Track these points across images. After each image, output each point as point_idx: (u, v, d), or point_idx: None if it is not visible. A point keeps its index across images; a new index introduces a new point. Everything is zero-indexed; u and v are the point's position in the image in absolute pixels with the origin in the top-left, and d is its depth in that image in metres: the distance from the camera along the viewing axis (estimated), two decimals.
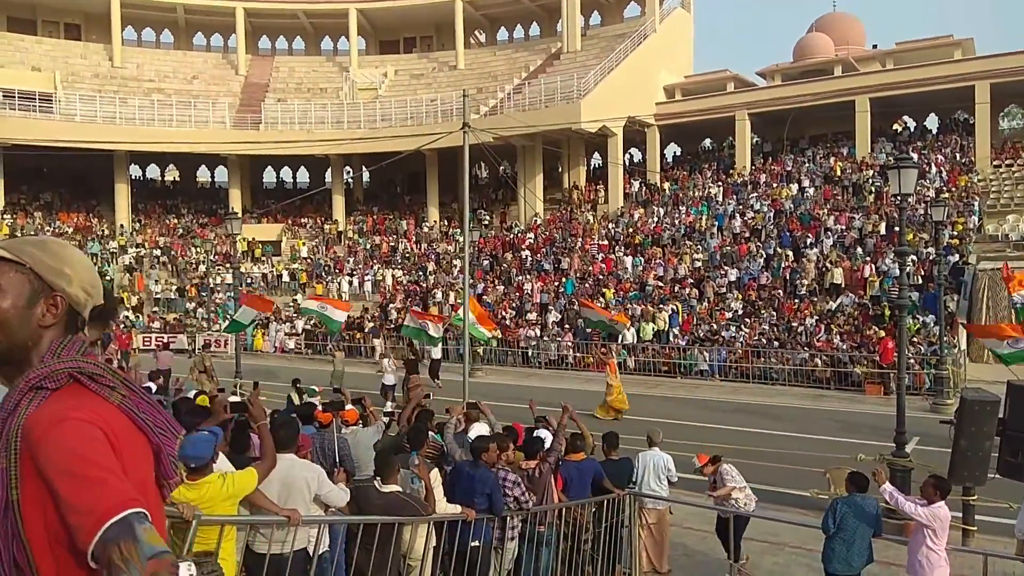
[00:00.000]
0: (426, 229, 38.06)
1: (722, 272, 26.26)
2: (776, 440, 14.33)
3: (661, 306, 24.60)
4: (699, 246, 28.55)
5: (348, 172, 41.95)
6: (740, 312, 23.99)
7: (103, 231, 37.91)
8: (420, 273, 33.26)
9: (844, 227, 26.68)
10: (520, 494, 6.08)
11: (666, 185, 35.11)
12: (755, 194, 31.53)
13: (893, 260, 22.17)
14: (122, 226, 38.00)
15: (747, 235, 28.35)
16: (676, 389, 21.06)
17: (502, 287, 30.28)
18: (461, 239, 35.35)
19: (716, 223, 29.93)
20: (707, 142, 40.85)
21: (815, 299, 23.86)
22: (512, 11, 43.14)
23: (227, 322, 28.81)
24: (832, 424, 16.03)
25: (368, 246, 37.22)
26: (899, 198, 11.37)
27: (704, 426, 15.57)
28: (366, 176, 42.90)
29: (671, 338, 23.81)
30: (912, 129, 34.30)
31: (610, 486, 7.41)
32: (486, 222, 37.26)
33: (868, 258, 24.26)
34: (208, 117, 38.10)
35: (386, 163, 26.38)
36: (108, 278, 33.82)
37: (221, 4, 42.16)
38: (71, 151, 34.31)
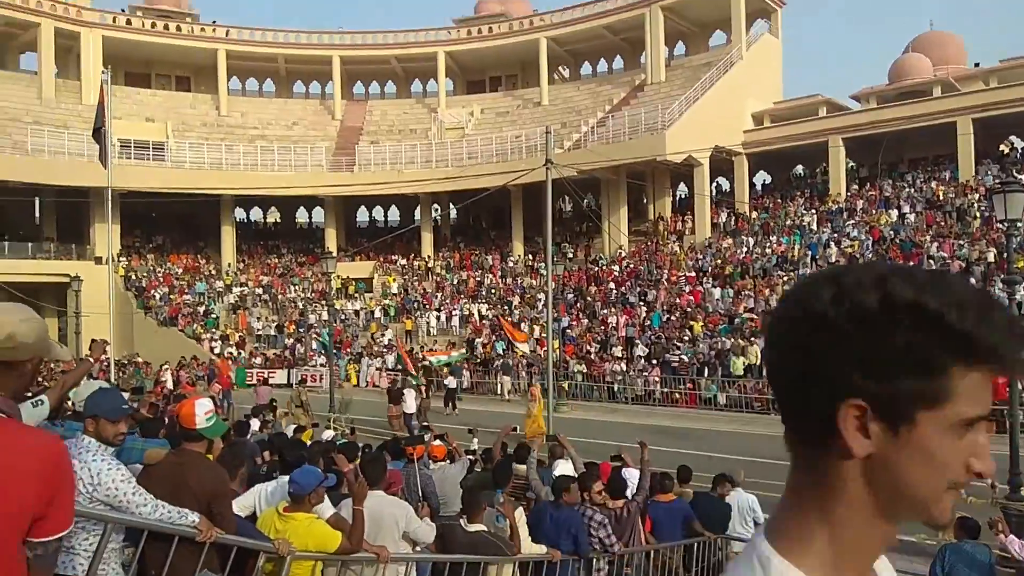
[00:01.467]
0: (511, 263, 38.47)
1: None
2: None
3: (752, 339, 23.91)
4: (792, 276, 27.66)
5: (436, 209, 43.05)
6: None
7: (210, 271, 40.19)
8: (505, 307, 33.56)
9: (948, 255, 25.31)
10: (606, 535, 6.02)
11: (755, 214, 34.30)
12: (851, 221, 30.37)
13: (1002, 289, 20.83)
14: (228, 266, 40.18)
15: (843, 264, 27.24)
16: (770, 426, 20.33)
17: (587, 320, 30.17)
18: (545, 273, 35.63)
19: (810, 252, 28.97)
20: (799, 169, 39.76)
21: None
22: (595, 46, 43.59)
23: (322, 356, 29.88)
24: None
25: (455, 281, 37.91)
26: (1007, 223, 10.79)
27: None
28: (453, 213, 43.90)
29: (762, 373, 23.05)
30: (1020, 150, 32.36)
31: (701, 529, 7.23)
32: (570, 255, 37.33)
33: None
34: (307, 161, 40.04)
35: (472, 200, 26.90)
36: (214, 316, 35.76)
37: (319, 53, 44.47)
38: (182, 197, 36.74)
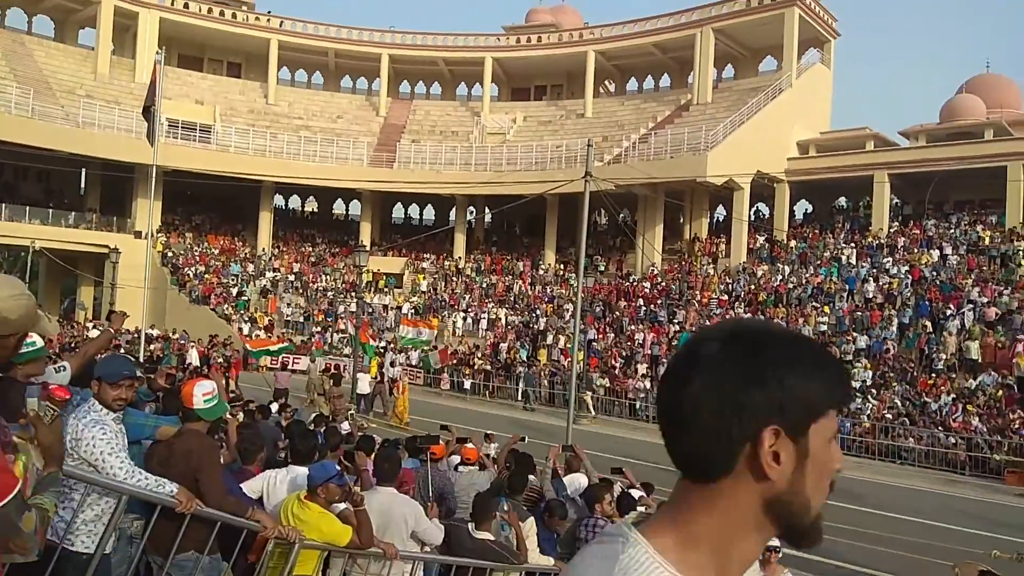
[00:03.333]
0: (541, 271, 38.42)
1: (850, 338, 24.85)
2: (900, 525, 13.27)
3: None
4: (827, 308, 27.22)
5: (471, 212, 43.23)
6: (868, 383, 22.55)
7: (245, 254, 40.74)
8: (533, 314, 33.50)
9: (988, 300, 24.68)
10: None
11: (793, 243, 33.82)
12: (891, 258, 29.79)
13: None
14: (263, 250, 40.70)
15: (880, 300, 26.76)
16: None
17: (613, 335, 29.98)
18: (575, 284, 35.53)
19: (847, 286, 28.46)
20: (841, 201, 39.16)
21: (953, 375, 22.10)
22: (644, 62, 43.45)
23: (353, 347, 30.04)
24: (965, 513, 14.67)
25: (484, 284, 37.95)
26: None
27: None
28: (488, 216, 44.00)
29: None
30: None
31: None
32: (601, 268, 37.17)
33: (1018, 335, 22.26)
34: (348, 154, 40.47)
35: (509, 206, 26.91)
36: (245, 297, 36.21)
37: (368, 50, 44.94)
38: (224, 179, 37.34)
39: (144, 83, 36.50)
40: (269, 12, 45.04)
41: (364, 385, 21.70)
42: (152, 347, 25.32)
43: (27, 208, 35.30)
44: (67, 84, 38.01)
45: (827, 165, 34.71)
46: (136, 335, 19.01)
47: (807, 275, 30.47)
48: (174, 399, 6.69)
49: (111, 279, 26.80)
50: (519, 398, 27.01)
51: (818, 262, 31.29)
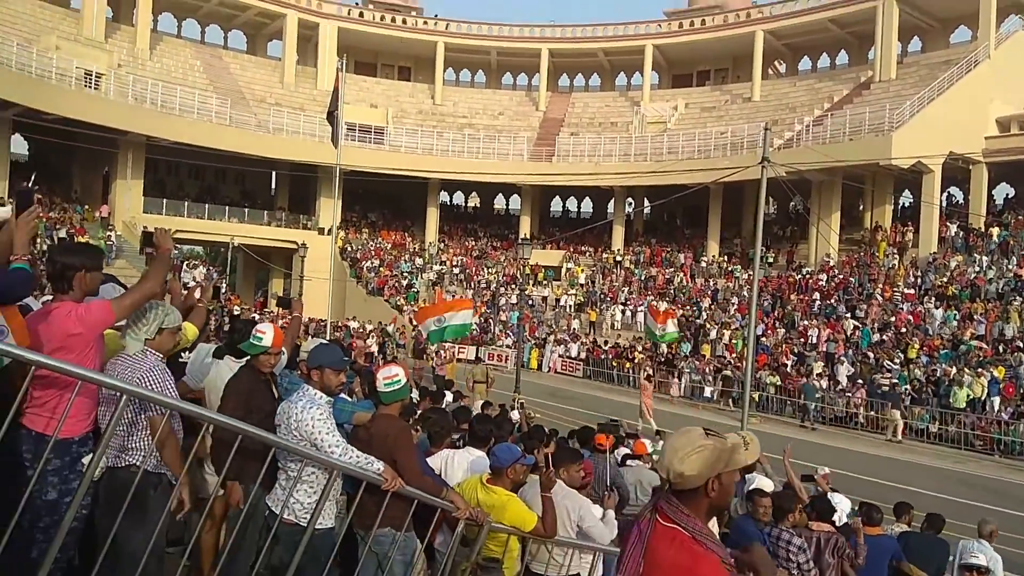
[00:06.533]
0: (704, 264, 37.21)
1: None
2: None
3: (980, 370, 21.32)
4: None
5: (630, 203, 42.66)
6: None
7: (415, 248, 42.81)
8: (695, 308, 32.54)
9: None
10: (804, 561, 5.61)
11: (994, 231, 30.39)
12: None
13: None
14: (430, 244, 42.57)
15: None
16: (991, 467, 18.07)
17: (783, 330, 28.49)
18: (741, 276, 34.08)
19: None
20: None
21: None
22: (818, 39, 40.76)
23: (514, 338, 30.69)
24: None
25: (643, 277, 37.36)
26: None
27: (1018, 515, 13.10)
28: (647, 208, 43.24)
29: (987, 408, 20.51)
30: None
31: (911, 571, 6.52)
32: (770, 260, 35.39)
33: None
34: (509, 150, 41.32)
35: (673, 197, 26.26)
36: (415, 290, 38.07)
37: (529, 46, 45.59)
38: (396, 178, 39.37)
39: (325, 90, 39.35)
40: (436, 15, 46.95)
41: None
42: (339, 334, 27.23)
43: (226, 208, 39.15)
44: (259, 93, 41.65)
45: None
46: (322, 325, 20.48)
47: (1010, 266, 27.32)
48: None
49: (299, 272, 29.09)
50: (677, 392, 26.34)
51: (1023, 252, 27.95)
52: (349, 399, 6.17)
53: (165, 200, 36.98)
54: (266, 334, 4.40)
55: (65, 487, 3.21)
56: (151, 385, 3.42)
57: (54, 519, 3.11)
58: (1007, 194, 35.89)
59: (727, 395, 25.58)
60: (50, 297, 3.63)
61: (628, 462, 7.72)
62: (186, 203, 37.79)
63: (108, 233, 31.22)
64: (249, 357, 4.63)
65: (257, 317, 23.69)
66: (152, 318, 3.69)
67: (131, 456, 3.48)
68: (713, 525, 5.87)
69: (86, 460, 3.24)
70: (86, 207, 34.06)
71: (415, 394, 8.70)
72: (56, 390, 3.21)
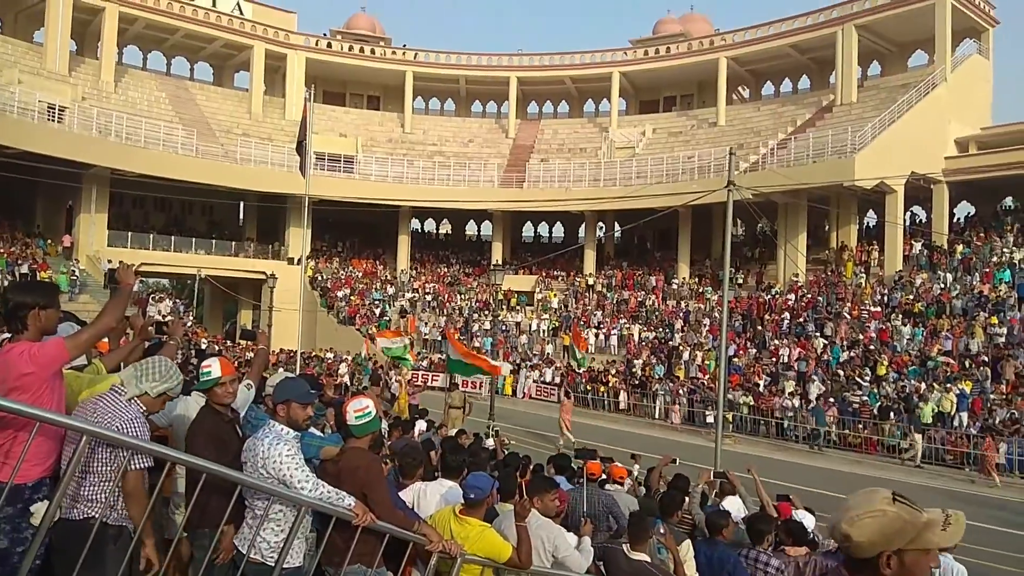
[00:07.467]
0: (675, 286, 37.52)
1: None
2: None
3: (948, 385, 21.66)
4: (994, 320, 24.82)
5: (601, 228, 42.96)
6: None
7: (386, 276, 42.58)
8: (667, 331, 32.73)
9: None
10: None
11: (957, 248, 31.12)
12: None
13: None
14: (402, 272, 42.38)
15: None
16: (961, 483, 18.27)
17: (754, 350, 28.75)
18: (712, 297, 34.38)
19: (1015, 293, 25.87)
20: (1007, 201, 35.66)
21: None
22: (780, 65, 41.74)
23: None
24: None
25: (615, 300, 37.54)
26: None
27: (996, 530, 13.24)
28: (617, 232, 43.61)
29: (955, 424, 20.80)
30: None
31: None
32: (739, 281, 35.78)
33: None
34: (479, 177, 41.51)
35: (642, 221, 26.51)
36: (386, 318, 37.78)
37: (497, 74, 46.01)
38: (366, 207, 39.27)
39: (293, 120, 39.24)
40: (404, 45, 47.21)
41: None
42: (311, 371, 26.85)
43: (193, 240, 38.65)
44: (225, 124, 41.41)
45: (991, 163, 31.80)
46: (291, 355, 20.20)
47: (973, 283, 27.95)
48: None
49: (268, 303, 28.75)
50: (656, 416, 26.37)
51: (985, 268, 28.62)
52: (318, 433, 6.04)
53: (130, 233, 36.39)
54: (212, 367, 4.26)
55: (17, 535, 3.08)
56: (130, 433, 3.31)
57: (5, 570, 2.98)
58: (968, 212, 36.84)
59: (702, 416, 25.64)
60: (8, 336, 3.52)
61: (606, 487, 7.65)
62: (152, 235, 37.27)
63: (72, 267, 30.63)
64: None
65: (220, 350, 23.31)
66: (164, 380, 3.62)
67: (87, 507, 3.28)
68: (689, 552, 5.87)
69: (34, 508, 3.11)
70: (48, 241, 33.43)
71: (384, 425, 8.56)
72: (12, 430, 3.09)
